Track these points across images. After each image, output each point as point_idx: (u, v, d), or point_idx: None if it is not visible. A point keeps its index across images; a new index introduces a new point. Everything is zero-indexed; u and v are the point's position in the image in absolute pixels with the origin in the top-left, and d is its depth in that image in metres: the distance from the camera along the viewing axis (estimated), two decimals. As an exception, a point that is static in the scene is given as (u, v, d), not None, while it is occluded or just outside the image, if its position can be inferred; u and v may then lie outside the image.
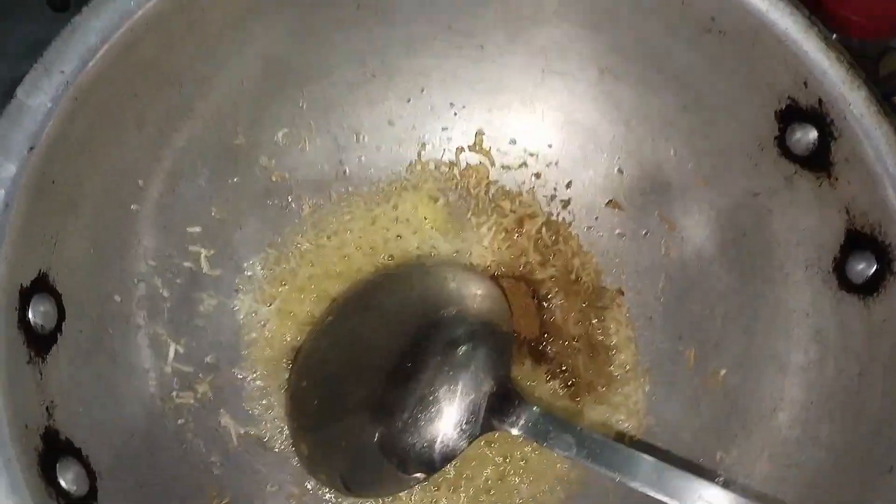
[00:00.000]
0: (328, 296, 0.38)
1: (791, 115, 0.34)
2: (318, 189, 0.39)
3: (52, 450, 0.27)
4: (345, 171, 0.39)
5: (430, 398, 0.31)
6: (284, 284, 0.38)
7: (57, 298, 0.29)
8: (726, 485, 0.33)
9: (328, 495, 0.35)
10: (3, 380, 0.25)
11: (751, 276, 0.37)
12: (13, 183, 0.27)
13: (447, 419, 0.31)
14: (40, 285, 0.28)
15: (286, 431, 0.36)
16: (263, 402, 0.36)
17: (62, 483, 0.26)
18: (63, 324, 0.29)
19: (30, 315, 0.27)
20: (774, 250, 0.36)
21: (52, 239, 0.29)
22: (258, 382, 0.36)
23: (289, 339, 0.37)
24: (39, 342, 0.28)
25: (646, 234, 0.39)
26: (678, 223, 0.39)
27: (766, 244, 0.36)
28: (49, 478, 0.26)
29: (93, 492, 0.28)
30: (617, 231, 0.39)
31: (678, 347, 0.38)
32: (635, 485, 0.30)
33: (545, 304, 0.39)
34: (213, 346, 0.36)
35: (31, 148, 0.27)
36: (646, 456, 0.30)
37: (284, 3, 0.34)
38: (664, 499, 0.29)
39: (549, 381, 0.37)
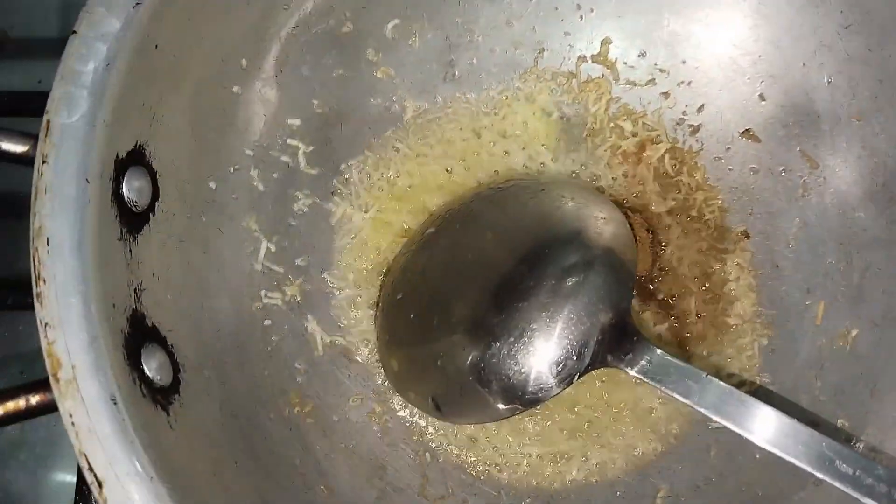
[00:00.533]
0: (426, 209, 0.35)
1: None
2: (423, 91, 0.36)
3: (138, 334, 0.25)
4: (454, 74, 0.36)
5: (537, 324, 0.28)
6: (381, 191, 0.35)
7: (152, 175, 0.27)
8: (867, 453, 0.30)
9: (410, 417, 0.33)
10: (94, 252, 0.23)
11: (902, 226, 0.32)
12: (116, 39, 0.24)
13: (554, 349, 0.28)
14: (137, 158, 0.26)
15: (372, 345, 0.33)
16: (352, 312, 0.34)
17: (146, 370, 0.25)
18: (157, 204, 0.27)
19: (124, 188, 0.25)
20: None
21: (152, 110, 0.26)
22: (347, 291, 0.34)
23: (383, 249, 0.34)
24: (132, 219, 0.26)
25: (783, 171, 0.35)
26: (822, 161, 0.34)
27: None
28: (133, 362, 0.24)
29: (175, 384, 0.26)
30: (750, 166, 0.35)
31: (806, 301, 0.34)
32: (765, 444, 0.27)
33: (660, 240, 0.35)
34: (305, 248, 0.33)
35: (137, 4, 0.25)
36: (782, 414, 0.27)
37: None
38: (803, 465, 0.26)
39: (656, 325, 0.34)
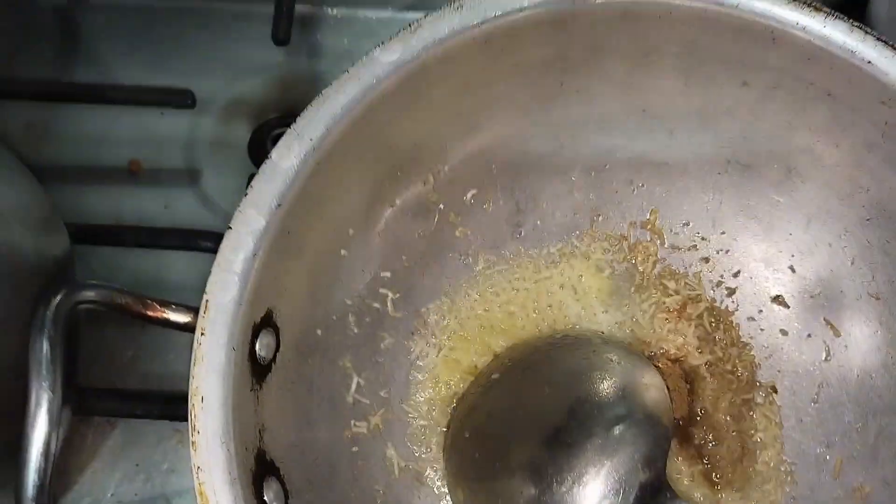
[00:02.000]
0: (490, 349, 0.40)
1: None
2: (493, 246, 0.42)
3: (261, 469, 0.31)
4: (520, 233, 0.42)
5: (587, 475, 0.33)
6: (454, 332, 0.41)
7: (276, 332, 0.33)
8: None
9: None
10: (234, 406, 0.29)
11: (913, 397, 0.37)
12: (261, 235, 0.31)
13: (598, 498, 0.33)
14: (267, 321, 0.32)
15: (440, 470, 0.39)
16: (424, 440, 0.39)
17: (266, 500, 0.30)
18: (278, 354, 0.33)
19: (257, 347, 0.32)
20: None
21: (280, 281, 0.33)
22: (421, 422, 0.39)
23: (453, 384, 0.40)
24: (260, 372, 0.32)
25: (809, 335, 0.40)
26: (844, 331, 0.39)
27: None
28: (259, 495, 0.30)
29: (286, 508, 0.32)
30: (780, 328, 0.40)
31: (826, 455, 0.38)
32: None
33: (697, 390, 0.40)
34: (388, 381, 0.39)
35: (279, 205, 0.31)
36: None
37: (496, 80, 0.37)
38: None
39: (690, 468, 0.39)
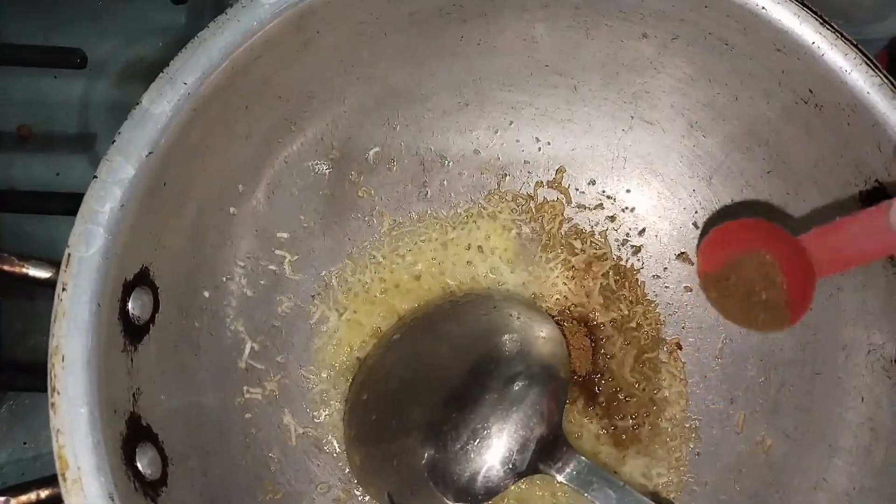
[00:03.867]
0: (396, 312, 0.39)
1: (875, 196, 0.34)
2: (398, 207, 0.40)
3: (134, 434, 0.29)
4: (427, 193, 0.41)
5: (483, 431, 0.32)
6: (357, 295, 0.39)
7: (154, 291, 0.31)
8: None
9: (372, 504, 0.37)
10: (100, 367, 0.27)
11: (812, 350, 0.37)
12: (130, 184, 0.29)
13: (495, 454, 0.32)
14: (141, 279, 0.30)
15: (340, 437, 0.37)
16: (323, 405, 0.38)
17: (139, 466, 0.29)
18: (157, 315, 0.31)
19: (129, 306, 0.30)
20: (839, 328, 0.36)
21: (157, 236, 0.31)
22: (321, 386, 0.38)
23: (355, 348, 0.39)
24: (134, 332, 0.30)
25: (713, 291, 0.40)
26: (747, 286, 0.39)
27: (831, 320, 0.36)
28: (128, 460, 0.28)
29: (164, 476, 0.30)
30: (684, 284, 0.40)
31: (729, 410, 0.38)
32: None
33: (602, 348, 0.40)
34: (286, 346, 0.38)
35: (150, 153, 0.29)
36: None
37: (392, 29, 0.36)
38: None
39: (594, 422, 0.38)
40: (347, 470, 0.37)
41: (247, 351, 0.36)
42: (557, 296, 0.40)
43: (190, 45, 0.31)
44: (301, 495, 0.36)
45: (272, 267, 0.38)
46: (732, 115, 0.37)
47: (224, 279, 0.36)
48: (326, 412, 0.38)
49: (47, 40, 0.48)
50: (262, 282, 0.37)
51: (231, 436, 0.35)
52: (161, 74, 0.30)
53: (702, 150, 0.39)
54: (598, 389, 0.39)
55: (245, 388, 0.36)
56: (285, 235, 0.38)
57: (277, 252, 0.38)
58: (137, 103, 0.30)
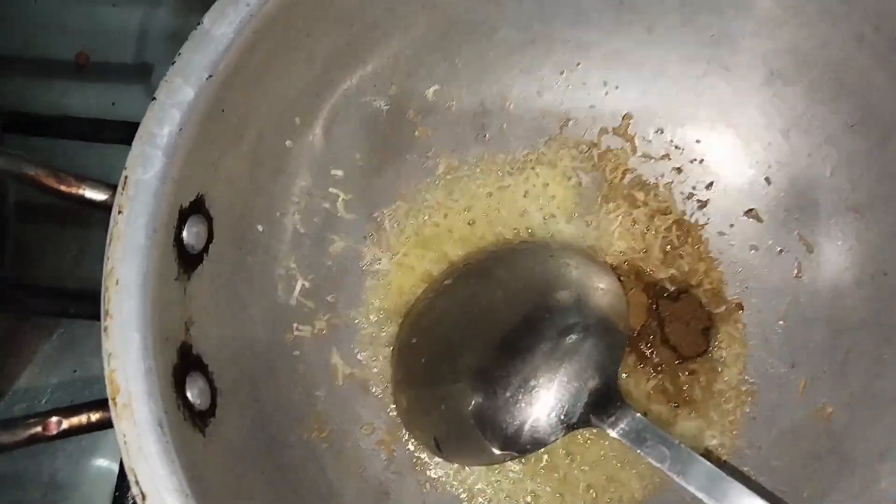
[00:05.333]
0: (447, 257, 0.38)
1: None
2: (455, 149, 0.39)
3: (185, 363, 0.29)
4: (485, 136, 0.39)
5: (533, 381, 0.31)
6: (409, 238, 0.38)
7: (209, 221, 0.31)
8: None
9: (415, 450, 0.36)
10: (154, 293, 0.27)
11: (886, 317, 0.35)
12: (189, 107, 0.28)
13: (546, 405, 0.31)
14: (197, 207, 0.30)
15: (387, 381, 0.37)
16: (371, 347, 0.37)
17: (189, 396, 0.28)
18: (210, 245, 0.31)
19: (184, 234, 0.29)
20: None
21: (214, 164, 0.30)
22: (369, 329, 0.37)
23: (405, 291, 0.38)
24: (188, 261, 0.30)
25: (780, 251, 0.38)
26: (818, 247, 0.37)
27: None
28: (178, 389, 0.28)
29: (213, 407, 0.30)
30: (750, 243, 0.38)
31: (790, 375, 0.36)
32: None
33: (659, 305, 0.38)
34: (336, 286, 0.37)
35: (210, 76, 0.28)
36: (740, 485, 0.30)
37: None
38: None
39: (648, 381, 0.37)
40: (393, 413, 0.36)
41: (297, 288, 0.36)
42: (616, 249, 0.38)
43: (253, -35, 0.29)
44: (346, 434, 0.36)
45: (325, 205, 0.37)
46: (819, 61, 0.35)
47: (278, 214, 0.35)
48: (374, 354, 0.37)
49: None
50: (315, 219, 0.36)
51: (280, 372, 0.34)
52: (223, -5, 0.29)
53: (781, 101, 0.37)
54: (654, 348, 0.37)
55: (295, 324, 0.35)
56: (340, 173, 0.37)
57: (332, 190, 0.37)
58: (199, 24, 0.29)
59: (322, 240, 0.37)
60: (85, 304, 0.38)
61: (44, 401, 0.41)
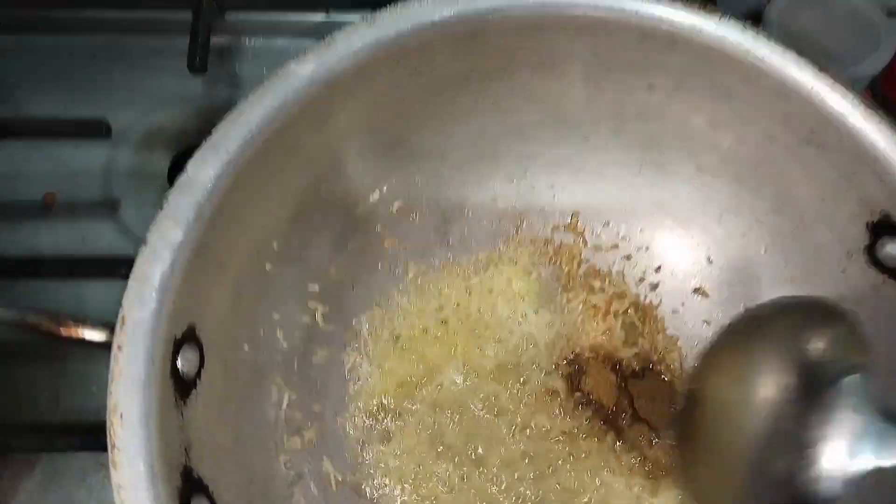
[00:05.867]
0: (425, 358, 0.40)
1: (883, 228, 0.35)
2: (422, 256, 0.42)
3: (188, 487, 0.30)
4: (448, 241, 0.42)
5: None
6: (387, 342, 0.40)
7: (200, 348, 0.32)
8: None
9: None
10: (156, 423, 0.28)
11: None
12: (179, 248, 0.30)
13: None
14: (189, 336, 0.31)
15: (377, 480, 0.38)
16: (360, 451, 0.39)
17: (195, 519, 0.29)
18: (202, 370, 0.32)
19: (179, 363, 0.31)
20: None
21: (203, 295, 0.32)
22: (357, 433, 0.39)
23: (387, 396, 0.39)
24: (183, 388, 0.31)
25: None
26: (764, 317, 0.40)
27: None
28: (186, 513, 0.29)
29: (217, 529, 0.31)
30: (703, 318, 0.41)
31: (756, 439, 0.39)
32: None
33: (627, 383, 0.41)
34: (321, 396, 0.39)
35: (197, 218, 0.31)
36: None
37: (411, 97, 0.38)
38: None
39: (629, 457, 0.39)
40: (387, 515, 0.37)
41: (285, 401, 0.37)
42: (582, 333, 0.41)
43: (231, 114, 0.32)
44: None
45: (305, 319, 0.39)
46: (738, 157, 0.39)
47: (262, 333, 0.37)
48: (362, 458, 0.38)
49: (66, 111, 0.50)
50: (296, 333, 0.38)
51: (275, 486, 0.35)
52: (204, 143, 0.32)
53: (711, 191, 0.41)
54: (626, 422, 0.40)
55: (285, 437, 0.37)
56: (316, 288, 0.39)
57: (310, 304, 0.39)
58: (184, 170, 0.31)
59: (305, 352, 0.38)
60: (70, 437, 0.38)
61: (29, 537, 0.40)
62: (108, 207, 0.48)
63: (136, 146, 0.50)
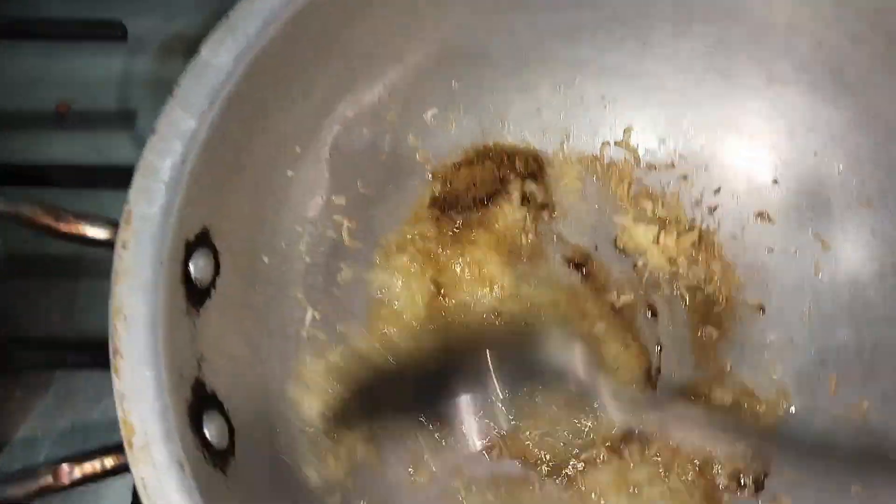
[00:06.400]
0: (455, 276, 0.37)
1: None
2: (457, 171, 0.38)
3: (200, 401, 0.27)
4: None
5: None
6: (415, 262, 0.37)
7: (214, 254, 0.29)
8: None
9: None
10: (165, 329, 0.26)
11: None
12: (191, 138, 0.27)
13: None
14: (203, 239, 0.29)
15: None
16: (388, 375, 0.36)
17: (207, 435, 0.27)
18: (217, 279, 0.30)
19: (191, 268, 0.28)
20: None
21: (218, 196, 0.29)
22: (382, 356, 0.36)
23: (416, 318, 0.37)
24: (196, 296, 0.28)
25: (796, 251, 0.37)
26: (833, 243, 0.36)
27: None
28: (196, 428, 0.26)
29: (231, 446, 0.28)
30: (765, 245, 0.38)
31: (819, 373, 0.36)
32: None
33: (678, 314, 0.37)
34: (346, 315, 0.36)
35: (211, 104, 0.28)
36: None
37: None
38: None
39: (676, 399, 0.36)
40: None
41: (308, 319, 0.34)
42: (633, 262, 0.38)
43: (249, -8, 0.29)
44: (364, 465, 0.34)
45: (331, 233, 0.36)
46: (816, 62, 0.35)
47: (283, 245, 0.34)
48: (390, 384, 0.36)
49: (81, 14, 0.47)
50: (321, 249, 0.35)
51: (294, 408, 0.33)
52: (220, 24, 0.29)
53: (781, 103, 0.37)
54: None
55: (308, 358, 0.34)
56: (342, 201, 0.36)
57: (336, 218, 0.36)
58: (197, 54, 0.28)
59: (329, 269, 0.36)
60: (82, 354, 0.36)
61: (42, 456, 0.38)
62: (123, 118, 0.45)
63: (154, 54, 0.47)
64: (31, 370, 0.38)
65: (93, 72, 0.46)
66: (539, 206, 0.38)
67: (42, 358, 0.36)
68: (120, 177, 0.39)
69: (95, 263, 0.42)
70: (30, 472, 0.24)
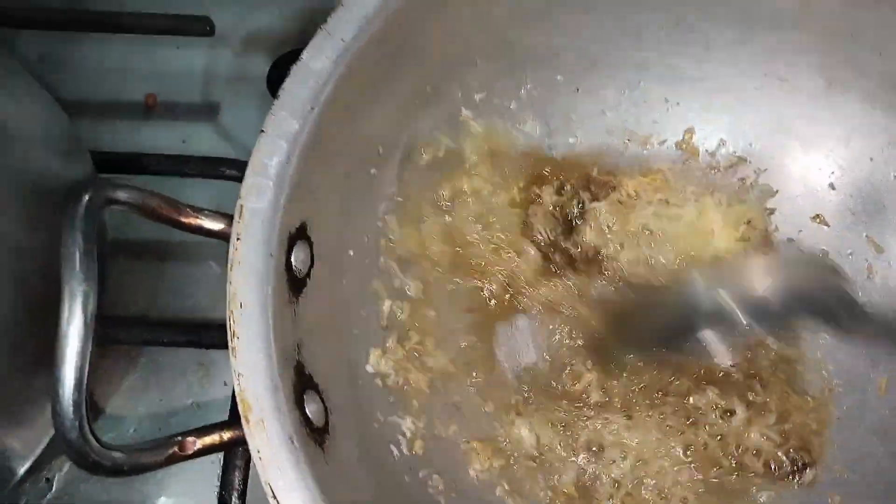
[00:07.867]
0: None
1: None
2: (525, 169, 0.40)
3: (301, 382, 0.30)
4: (552, 155, 0.41)
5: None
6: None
7: (311, 246, 0.32)
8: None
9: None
10: (273, 314, 0.28)
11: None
12: (295, 138, 0.30)
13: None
14: (302, 232, 0.31)
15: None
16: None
17: (307, 413, 0.29)
18: (312, 270, 0.32)
19: (293, 259, 0.30)
20: None
21: (314, 192, 0.32)
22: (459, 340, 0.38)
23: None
24: (296, 284, 0.31)
25: (850, 253, 0.39)
26: (887, 247, 0.38)
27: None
28: (300, 407, 0.29)
29: (326, 425, 0.31)
30: (820, 247, 0.39)
31: (870, 373, 0.37)
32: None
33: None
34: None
35: (312, 108, 0.30)
36: None
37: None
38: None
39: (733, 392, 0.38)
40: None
41: (386, 310, 0.37)
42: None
43: (346, 1, 0.31)
44: (441, 440, 0.36)
45: (407, 229, 0.38)
46: (875, 70, 0.36)
47: (365, 239, 0.36)
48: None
49: (168, 9, 0.49)
50: (398, 245, 0.38)
51: (377, 390, 0.35)
52: (319, 31, 0.31)
53: (840, 109, 0.38)
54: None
55: (388, 344, 0.36)
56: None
57: (412, 214, 0.38)
58: (299, 59, 0.30)
59: (405, 261, 0.38)
60: (173, 332, 0.39)
61: (131, 430, 0.41)
62: (208, 111, 0.48)
63: (235, 49, 0.49)
64: (124, 346, 0.41)
65: (177, 66, 0.49)
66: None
67: (137, 335, 0.39)
68: (204, 166, 0.42)
69: (183, 249, 0.45)
70: (161, 443, 0.27)
